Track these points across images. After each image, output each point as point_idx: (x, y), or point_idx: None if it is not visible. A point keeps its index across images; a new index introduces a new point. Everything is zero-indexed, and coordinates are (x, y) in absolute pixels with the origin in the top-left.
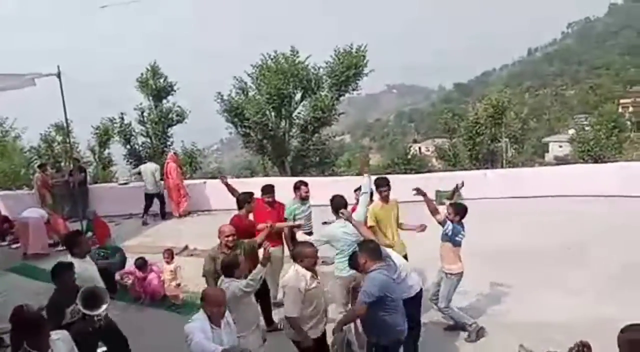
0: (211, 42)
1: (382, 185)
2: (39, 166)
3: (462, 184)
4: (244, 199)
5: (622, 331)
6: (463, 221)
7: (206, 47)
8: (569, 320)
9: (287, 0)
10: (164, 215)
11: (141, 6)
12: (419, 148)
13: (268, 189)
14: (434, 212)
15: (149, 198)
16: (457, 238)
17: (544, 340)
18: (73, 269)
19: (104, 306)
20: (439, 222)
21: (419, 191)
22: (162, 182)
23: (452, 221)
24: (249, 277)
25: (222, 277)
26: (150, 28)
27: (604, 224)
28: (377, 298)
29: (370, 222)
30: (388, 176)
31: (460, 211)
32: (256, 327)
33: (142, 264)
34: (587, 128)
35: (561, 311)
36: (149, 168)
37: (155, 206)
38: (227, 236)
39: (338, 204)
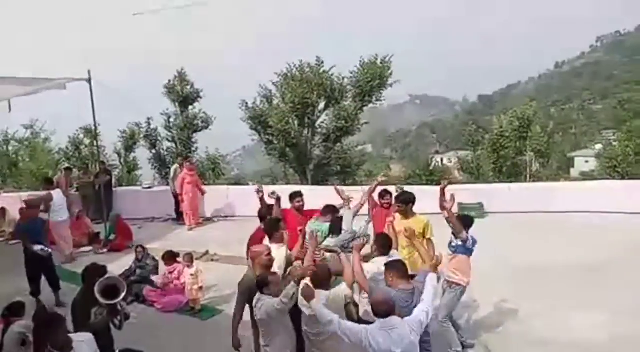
0: (238, 53)
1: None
2: (65, 169)
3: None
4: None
5: None
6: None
7: (231, 57)
8: (597, 339)
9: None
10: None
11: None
12: (441, 159)
13: (297, 195)
14: (458, 231)
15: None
16: (473, 248)
17: None
18: (106, 273)
19: (122, 296)
20: (463, 240)
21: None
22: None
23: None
24: (282, 295)
25: (257, 294)
26: (176, 36)
27: (631, 242)
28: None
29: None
30: (410, 188)
31: (468, 222)
32: None
33: (170, 256)
34: (614, 143)
35: (588, 329)
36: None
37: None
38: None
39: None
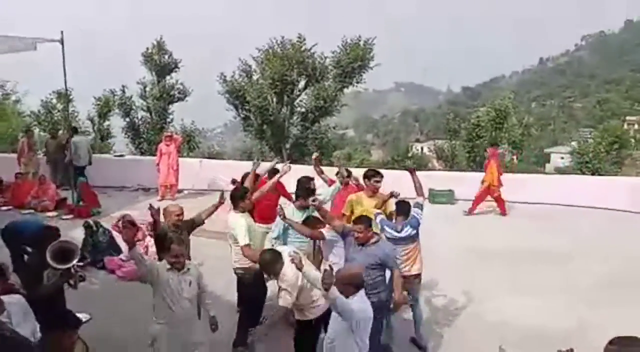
0: (216, 22)
1: (374, 176)
2: (26, 131)
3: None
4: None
5: (610, 342)
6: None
7: (211, 27)
8: (549, 325)
9: None
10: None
11: None
12: (421, 148)
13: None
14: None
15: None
16: (384, 234)
17: (523, 342)
18: (59, 236)
19: (74, 260)
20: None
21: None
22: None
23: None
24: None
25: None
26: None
27: (591, 233)
28: None
29: (345, 211)
30: (384, 171)
31: (397, 205)
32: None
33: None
34: (589, 141)
35: (542, 315)
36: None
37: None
38: (177, 215)
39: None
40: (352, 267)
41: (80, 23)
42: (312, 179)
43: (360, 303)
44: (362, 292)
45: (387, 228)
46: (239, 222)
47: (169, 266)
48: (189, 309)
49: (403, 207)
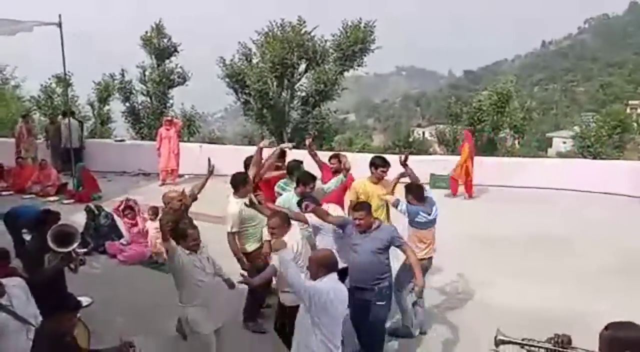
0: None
1: (382, 166)
2: (23, 116)
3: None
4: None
5: (606, 327)
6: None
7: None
8: (547, 310)
9: None
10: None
11: None
12: (423, 132)
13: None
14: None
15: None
16: (416, 219)
17: (521, 327)
18: (59, 220)
19: (75, 244)
20: (393, 205)
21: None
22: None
23: (409, 202)
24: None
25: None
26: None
27: (593, 219)
28: None
29: (351, 197)
30: (385, 156)
31: (412, 190)
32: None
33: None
34: (591, 125)
35: (540, 300)
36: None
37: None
38: (179, 200)
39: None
40: (324, 249)
41: (76, 7)
42: (301, 162)
43: (323, 285)
44: (334, 275)
45: (421, 213)
46: (232, 209)
47: (187, 251)
48: (213, 283)
49: (419, 191)
